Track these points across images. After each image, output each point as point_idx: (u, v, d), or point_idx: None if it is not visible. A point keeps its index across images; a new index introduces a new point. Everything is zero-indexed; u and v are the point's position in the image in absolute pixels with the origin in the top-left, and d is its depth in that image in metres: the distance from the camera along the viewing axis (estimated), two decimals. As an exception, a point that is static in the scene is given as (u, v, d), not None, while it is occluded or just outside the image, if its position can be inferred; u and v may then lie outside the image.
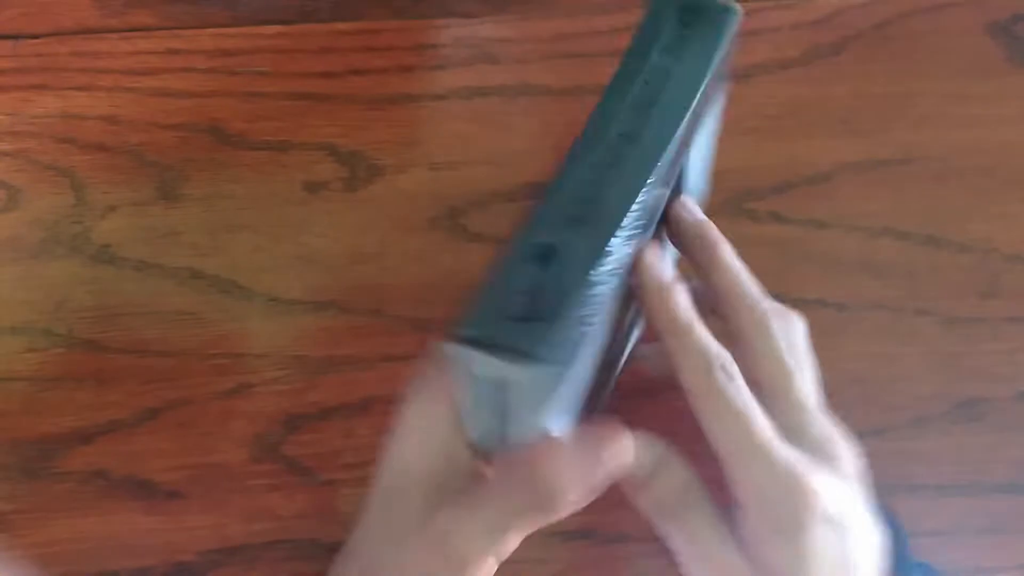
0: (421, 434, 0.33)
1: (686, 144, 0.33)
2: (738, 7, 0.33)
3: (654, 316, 0.33)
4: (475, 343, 0.28)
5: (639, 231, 0.31)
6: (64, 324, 0.44)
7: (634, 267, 0.32)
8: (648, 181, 0.31)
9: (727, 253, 0.35)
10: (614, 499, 0.44)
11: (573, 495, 0.31)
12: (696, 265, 0.35)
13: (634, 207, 0.30)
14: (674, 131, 0.31)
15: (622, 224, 0.30)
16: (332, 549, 0.43)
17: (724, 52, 0.33)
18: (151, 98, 0.46)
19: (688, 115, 0.32)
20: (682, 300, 0.33)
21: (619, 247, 0.30)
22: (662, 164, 0.31)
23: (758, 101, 0.48)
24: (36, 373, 0.44)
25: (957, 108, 0.48)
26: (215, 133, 0.46)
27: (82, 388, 0.44)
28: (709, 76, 0.32)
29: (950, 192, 0.47)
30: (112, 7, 0.47)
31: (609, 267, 0.30)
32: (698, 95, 0.32)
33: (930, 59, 0.49)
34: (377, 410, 0.43)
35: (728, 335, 0.34)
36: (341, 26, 0.48)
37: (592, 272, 0.29)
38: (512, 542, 0.32)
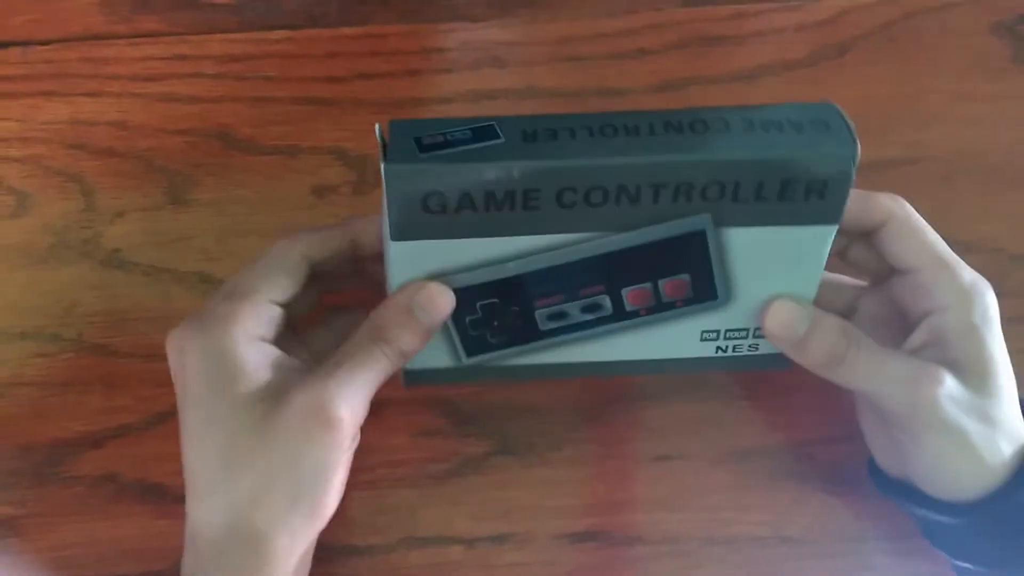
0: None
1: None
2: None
3: (808, 363, 0.37)
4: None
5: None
6: (74, 329, 0.44)
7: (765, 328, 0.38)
8: (617, 164, 0.33)
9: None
10: (623, 501, 0.44)
11: (405, 337, 0.36)
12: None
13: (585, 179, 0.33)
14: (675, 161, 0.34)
15: (562, 169, 0.33)
16: (337, 550, 0.43)
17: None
18: (159, 103, 0.47)
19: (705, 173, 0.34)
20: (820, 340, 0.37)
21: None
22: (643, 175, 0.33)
23: (764, 102, 0.47)
24: (46, 378, 0.44)
25: (963, 108, 0.48)
26: (223, 138, 0.46)
27: (92, 392, 0.44)
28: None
29: (956, 192, 0.47)
30: (120, 13, 0.48)
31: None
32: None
33: (936, 59, 0.49)
34: (382, 412, 0.43)
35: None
36: (348, 31, 0.48)
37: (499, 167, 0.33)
38: (365, 392, 0.36)
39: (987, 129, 0.48)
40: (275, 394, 0.35)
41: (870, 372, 0.36)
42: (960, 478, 0.36)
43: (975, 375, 0.36)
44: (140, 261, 0.45)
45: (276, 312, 0.37)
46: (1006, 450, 0.36)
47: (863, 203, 0.37)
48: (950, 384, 0.35)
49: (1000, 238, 0.47)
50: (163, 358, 0.44)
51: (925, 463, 0.37)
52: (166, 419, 0.43)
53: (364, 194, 0.46)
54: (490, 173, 0.33)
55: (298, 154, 0.46)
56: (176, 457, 0.43)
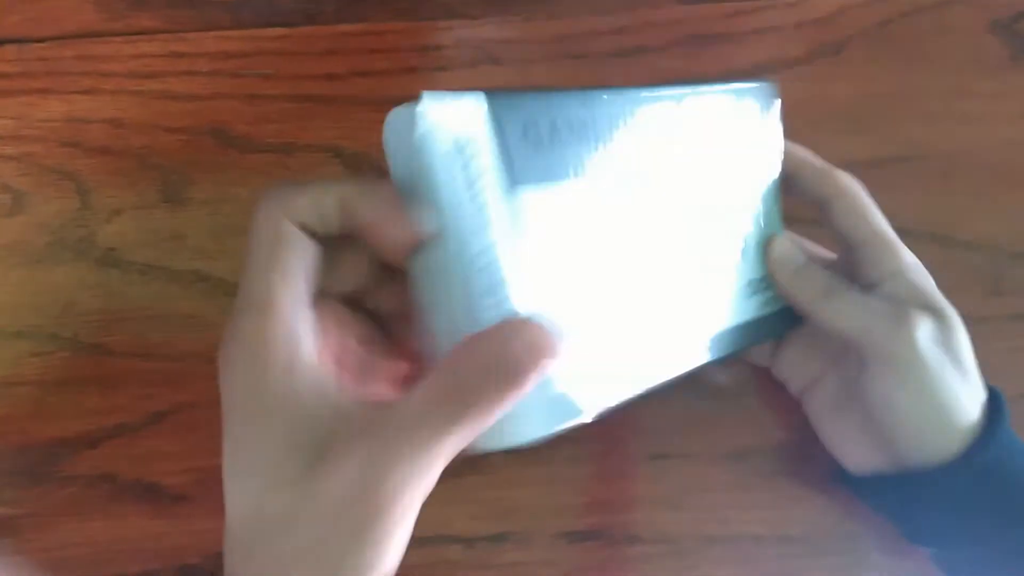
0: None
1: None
2: None
3: (804, 294, 0.39)
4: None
5: None
6: (70, 328, 0.44)
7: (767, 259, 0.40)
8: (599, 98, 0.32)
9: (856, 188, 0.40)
10: (622, 500, 0.44)
11: (494, 405, 0.28)
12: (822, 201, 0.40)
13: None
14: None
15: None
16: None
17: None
18: (155, 101, 0.46)
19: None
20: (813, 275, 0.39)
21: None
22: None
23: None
24: (42, 377, 0.44)
25: (961, 106, 0.48)
26: (219, 136, 0.46)
27: (88, 392, 0.44)
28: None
29: (954, 190, 0.47)
30: (115, 11, 0.47)
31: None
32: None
33: (933, 57, 0.49)
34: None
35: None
36: (345, 28, 0.48)
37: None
38: (439, 466, 0.29)
39: (985, 127, 0.48)
40: (319, 441, 0.28)
41: (857, 308, 0.38)
42: (940, 423, 0.37)
43: (943, 326, 0.38)
44: (136, 260, 0.45)
45: (308, 315, 0.30)
46: (975, 399, 0.38)
47: (819, 176, 0.40)
48: (929, 324, 0.37)
49: (998, 236, 0.47)
50: (159, 357, 0.44)
51: (903, 409, 0.37)
52: (163, 418, 0.43)
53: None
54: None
55: (294, 152, 0.46)
56: (173, 456, 0.43)
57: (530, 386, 0.28)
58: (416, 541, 0.43)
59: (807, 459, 0.44)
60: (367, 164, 0.46)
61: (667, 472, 0.44)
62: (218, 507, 0.43)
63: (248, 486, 0.29)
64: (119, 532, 0.43)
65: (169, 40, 0.47)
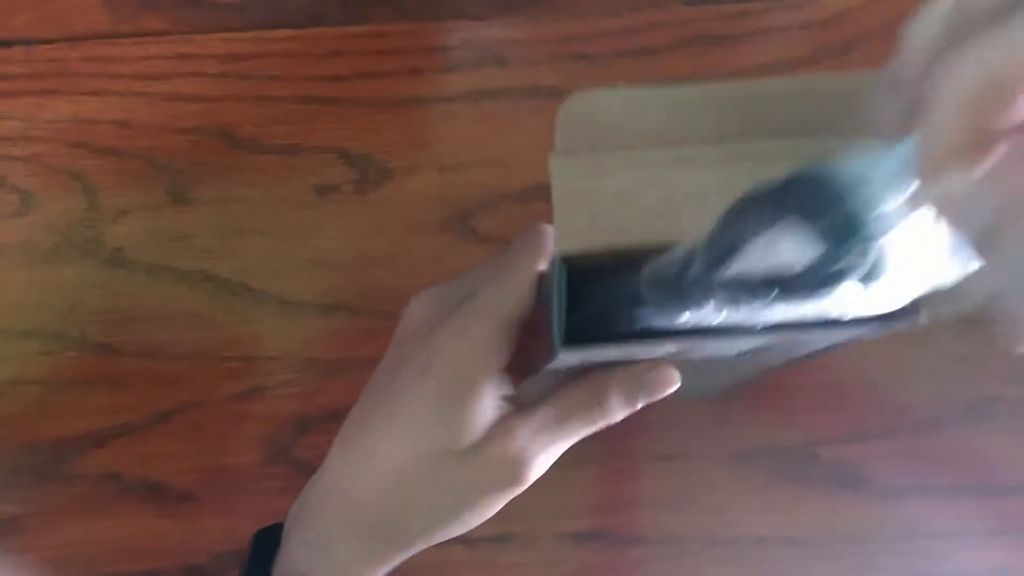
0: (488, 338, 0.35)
1: None
2: None
3: None
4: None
5: None
6: (77, 327, 0.44)
7: None
8: None
9: None
10: (626, 501, 0.44)
11: (622, 413, 0.36)
12: None
13: None
14: None
15: None
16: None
17: None
18: (162, 102, 0.47)
19: None
20: None
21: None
22: None
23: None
24: (49, 376, 0.44)
25: (967, 107, 0.48)
26: (226, 137, 0.46)
27: (95, 391, 0.44)
28: None
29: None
30: (123, 12, 0.48)
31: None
32: None
33: (940, 59, 0.49)
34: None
35: None
36: (350, 29, 0.48)
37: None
38: (559, 450, 0.36)
39: (992, 128, 0.48)
40: (482, 428, 0.35)
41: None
42: None
43: None
44: (142, 260, 0.45)
45: (515, 335, 0.36)
46: None
47: None
48: None
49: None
50: (166, 357, 0.44)
51: None
52: (169, 418, 0.44)
53: (366, 193, 0.46)
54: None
55: (300, 153, 0.46)
56: (179, 456, 0.44)
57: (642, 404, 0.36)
58: (419, 541, 0.43)
59: (811, 460, 0.44)
60: (371, 164, 0.46)
61: (671, 473, 0.44)
62: (223, 506, 0.44)
63: (409, 437, 0.35)
64: (125, 531, 0.43)
65: (177, 42, 0.47)
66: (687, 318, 0.29)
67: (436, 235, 0.45)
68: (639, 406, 0.36)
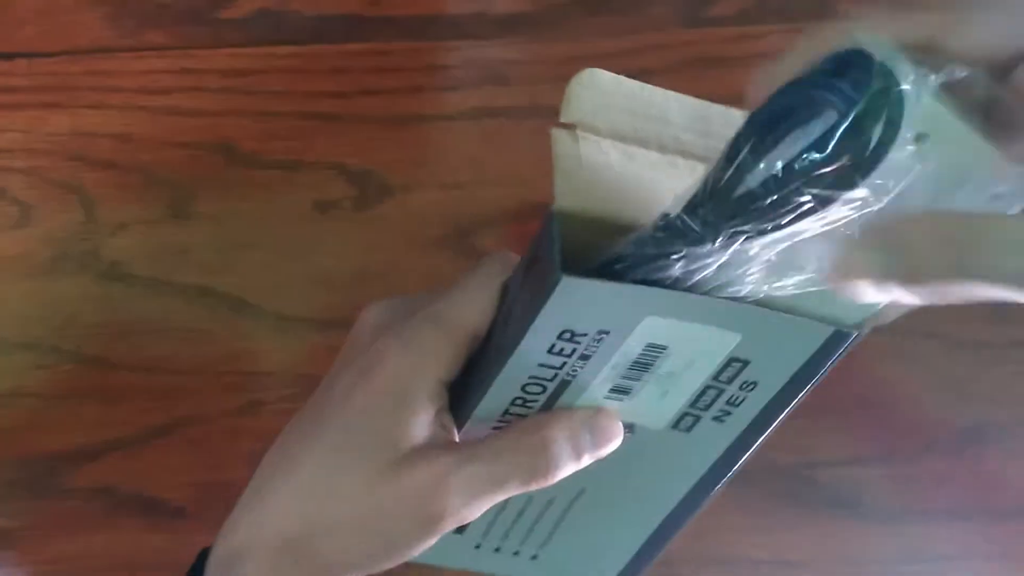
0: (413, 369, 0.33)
1: None
2: None
3: None
4: None
5: None
6: (73, 341, 0.44)
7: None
8: None
9: None
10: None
11: (567, 469, 0.32)
12: None
13: None
14: None
15: None
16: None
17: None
18: (163, 117, 0.47)
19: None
20: None
21: None
22: None
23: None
24: (44, 389, 0.44)
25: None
26: (226, 152, 0.46)
27: (90, 405, 0.44)
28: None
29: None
30: (126, 27, 0.48)
31: None
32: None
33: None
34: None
35: None
36: (353, 47, 0.48)
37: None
38: (487, 505, 0.32)
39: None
40: (410, 450, 0.32)
41: None
42: None
43: None
44: (140, 274, 0.45)
45: (466, 349, 0.34)
46: None
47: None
48: None
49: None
50: (161, 371, 0.44)
51: None
52: (164, 433, 0.43)
53: (366, 209, 0.46)
54: None
55: (301, 169, 0.46)
56: (173, 470, 0.43)
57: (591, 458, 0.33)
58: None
59: (808, 482, 0.44)
60: (371, 181, 0.46)
61: (667, 494, 0.44)
62: (218, 522, 0.43)
63: (332, 446, 0.33)
64: (118, 546, 0.43)
65: (179, 56, 0.48)
66: (684, 264, 0.28)
67: (435, 252, 0.46)
68: (584, 462, 0.32)
